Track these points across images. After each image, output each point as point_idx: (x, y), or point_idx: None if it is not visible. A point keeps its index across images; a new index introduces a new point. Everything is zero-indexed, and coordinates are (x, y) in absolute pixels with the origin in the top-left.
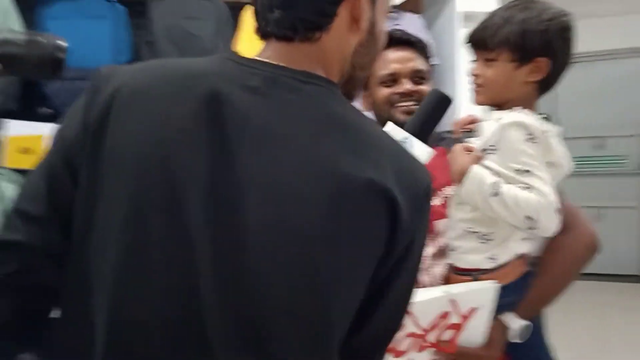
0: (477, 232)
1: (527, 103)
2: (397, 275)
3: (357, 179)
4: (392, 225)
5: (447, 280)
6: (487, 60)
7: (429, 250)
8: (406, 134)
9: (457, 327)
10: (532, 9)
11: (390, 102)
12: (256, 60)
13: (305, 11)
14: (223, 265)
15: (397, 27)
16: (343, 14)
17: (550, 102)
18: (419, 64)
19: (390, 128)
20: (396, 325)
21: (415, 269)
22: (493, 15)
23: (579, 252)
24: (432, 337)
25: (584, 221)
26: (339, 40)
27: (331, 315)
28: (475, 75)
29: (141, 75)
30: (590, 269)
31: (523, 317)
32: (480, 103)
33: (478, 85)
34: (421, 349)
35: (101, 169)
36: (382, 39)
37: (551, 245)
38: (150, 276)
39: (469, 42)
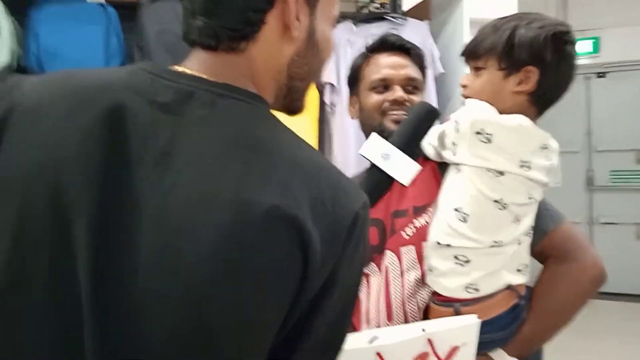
0: (449, 245)
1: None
2: (316, 314)
3: (259, 206)
4: (303, 259)
5: (427, 311)
6: (476, 69)
7: (413, 275)
8: (390, 147)
9: None
10: (525, 18)
11: (381, 110)
12: (174, 71)
13: (229, 20)
14: (104, 306)
15: (394, 32)
16: (272, 21)
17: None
18: (412, 71)
19: (373, 140)
20: None
21: (341, 307)
22: (486, 25)
23: (582, 286)
24: None
25: (587, 248)
26: (269, 50)
27: None
28: (463, 87)
29: (40, 90)
30: (630, 289)
31: (515, 355)
32: None
33: (465, 97)
34: None
35: None
36: (327, 47)
37: (549, 274)
38: (29, 323)
39: (462, 55)
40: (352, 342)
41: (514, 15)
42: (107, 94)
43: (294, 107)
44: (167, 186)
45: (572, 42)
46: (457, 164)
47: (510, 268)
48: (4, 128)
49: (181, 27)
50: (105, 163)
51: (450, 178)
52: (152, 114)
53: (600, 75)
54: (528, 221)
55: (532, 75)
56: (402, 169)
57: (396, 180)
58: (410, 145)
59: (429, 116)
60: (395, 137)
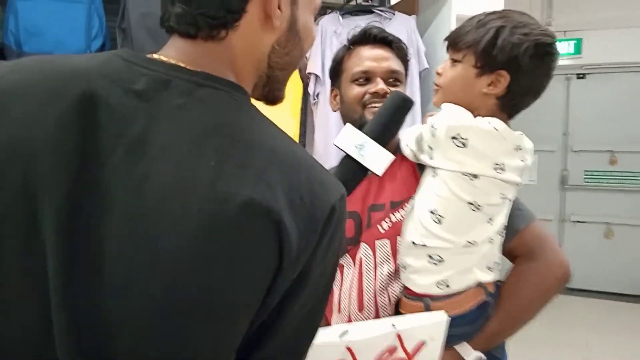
0: (425, 245)
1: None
2: (289, 306)
3: (235, 198)
4: (279, 250)
5: (398, 305)
6: (453, 61)
7: (385, 269)
8: (365, 138)
9: None
10: (512, 20)
11: (362, 102)
12: (150, 59)
13: (209, 7)
14: (73, 296)
15: (379, 25)
16: (253, 10)
17: (564, 114)
18: (394, 64)
19: (347, 130)
20: (295, 357)
21: (315, 298)
22: (473, 17)
23: (548, 283)
24: None
25: (555, 248)
26: (249, 38)
27: (198, 357)
28: (438, 74)
29: (15, 75)
30: (597, 286)
31: (480, 348)
32: (436, 103)
33: (437, 85)
34: None
35: None
36: (308, 37)
37: (517, 272)
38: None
39: (446, 38)
40: (323, 336)
41: (502, 12)
42: (82, 81)
43: (273, 97)
44: (141, 174)
45: (553, 54)
46: (434, 168)
47: (481, 266)
48: None
49: (161, 14)
50: (76, 151)
51: (427, 180)
52: (127, 101)
53: (580, 76)
54: (501, 220)
55: (503, 79)
56: (376, 159)
57: (370, 171)
58: (385, 136)
59: (402, 106)
60: (369, 127)
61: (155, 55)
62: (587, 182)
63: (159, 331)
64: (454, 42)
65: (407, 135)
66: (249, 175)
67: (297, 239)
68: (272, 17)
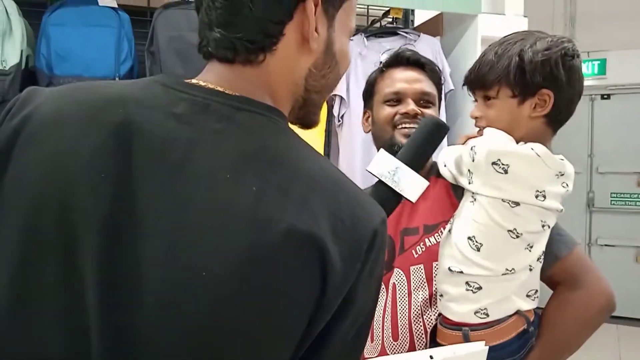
0: (462, 272)
1: (540, 139)
2: (333, 334)
3: (278, 225)
4: (322, 278)
5: (435, 333)
6: (487, 99)
7: (420, 295)
8: (398, 163)
9: None
10: (527, 39)
11: (393, 123)
12: (189, 84)
13: (247, 31)
14: (112, 323)
15: (408, 48)
16: (291, 33)
17: (587, 133)
18: (426, 86)
19: (380, 156)
20: None
21: (357, 325)
22: (487, 51)
23: (591, 314)
24: None
25: (598, 276)
26: (286, 62)
27: None
28: (477, 118)
29: (56, 101)
30: (628, 312)
31: None
32: None
33: (482, 128)
34: None
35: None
36: (344, 59)
37: (559, 300)
38: (39, 339)
39: (465, 84)
40: None
41: (511, 37)
42: (120, 108)
43: (309, 121)
44: (182, 199)
45: (578, 55)
46: (472, 192)
47: (520, 294)
48: (18, 138)
49: (198, 39)
50: (114, 178)
51: (465, 206)
52: (166, 126)
53: (605, 97)
54: (540, 247)
55: (548, 97)
56: (410, 185)
57: (404, 197)
58: (418, 161)
59: (437, 131)
60: (403, 152)
61: (193, 81)
62: (614, 204)
63: (195, 359)
64: (481, 82)
65: (446, 156)
66: (291, 201)
67: (341, 265)
68: (309, 40)
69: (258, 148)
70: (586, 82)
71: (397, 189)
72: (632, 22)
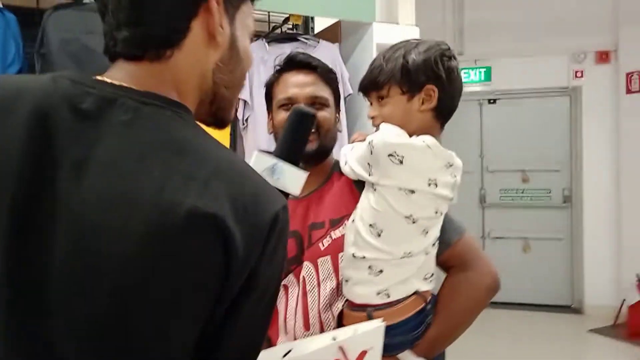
0: (365, 257)
1: (430, 131)
2: (237, 314)
3: (180, 207)
4: (225, 257)
5: (342, 317)
6: (380, 99)
7: (329, 286)
8: (275, 160)
9: None
10: (410, 44)
11: None
12: (97, 80)
13: (155, 27)
14: (21, 311)
15: (301, 51)
16: (197, 29)
17: (478, 136)
18: (318, 89)
19: (256, 156)
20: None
21: (262, 303)
22: (377, 57)
23: (480, 293)
24: None
25: (485, 259)
26: (194, 57)
27: None
28: (373, 117)
29: None
30: (518, 298)
31: (422, 356)
32: None
33: (378, 126)
34: None
35: None
36: (247, 57)
37: (451, 282)
38: None
39: (360, 89)
40: (267, 356)
41: (397, 44)
42: (29, 99)
43: (222, 116)
44: (85, 189)
45: (454, 57)
46: (373, 183)
47: (418, 276)
48: None
49: (93, 42)
50: (26, 167)
51: (366, 196)
52: (73, 119)
53: (491, 101)
54: (435, 232)
55: (433, 92)
56: (289, 180)
57: (287, 193)
58: (292, 153)
59: (302, 119)
60: (277, 148)
61: (99, 77)
62: (503, 199)
63: (105, 341)
64: (374, 84)
65: (345, 154)
66: (194, 186)
67: (243, 245)
68: (215, 35)
69: (165, 138)
70: (474, 88)
71: (277, 186)
72: (515, 33)
